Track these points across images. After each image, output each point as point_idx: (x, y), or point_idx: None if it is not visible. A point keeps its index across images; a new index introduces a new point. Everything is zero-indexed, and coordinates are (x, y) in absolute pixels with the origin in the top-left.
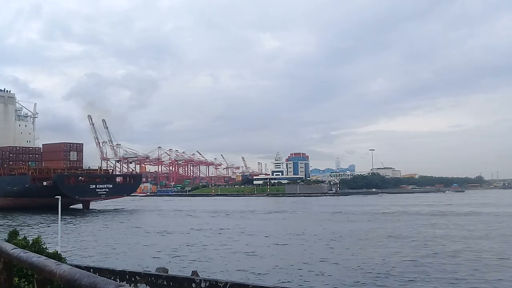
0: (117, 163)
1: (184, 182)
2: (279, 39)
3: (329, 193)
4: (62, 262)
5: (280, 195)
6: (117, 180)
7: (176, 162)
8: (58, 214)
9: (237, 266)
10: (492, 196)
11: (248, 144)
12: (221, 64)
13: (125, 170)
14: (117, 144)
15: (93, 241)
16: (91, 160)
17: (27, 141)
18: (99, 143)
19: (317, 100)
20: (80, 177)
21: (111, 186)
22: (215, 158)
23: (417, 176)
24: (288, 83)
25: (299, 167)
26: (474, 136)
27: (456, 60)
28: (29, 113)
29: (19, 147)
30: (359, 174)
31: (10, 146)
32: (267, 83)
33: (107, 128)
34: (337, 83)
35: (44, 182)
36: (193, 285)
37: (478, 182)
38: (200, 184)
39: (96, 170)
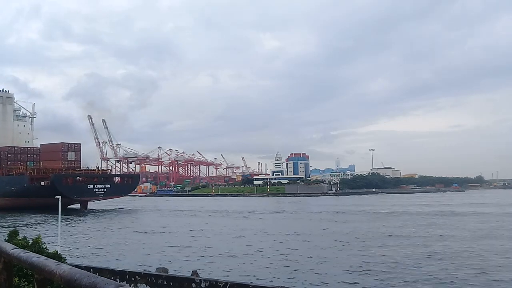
0: (117, 163)
1: (184, 182)
2: (279, 39)
3: (329, 193)
4: (62, 262)
5: (280, 195)
6: (115, 180)
7: (176, 162)
8: (57, 214)
9: (237, 266)
10: (492, 196)
11: (248, 144)
12: (221, 64)
13: (125, 170)
14: (117, 144)
15: (93, 241)
16: (92, 160)
17: (26, 141)
18: (99, 143)
19: (317, 100)
20: (78, 177)
21: (109, 186)
22: (215, 158)
23: (417, 176)
24: (288, 83)
25: (299, 167)
26: (474, 136)
27: (456, 60)
28: (28, 113)
29: (17, 147)
30: (359, 174)
31: (9, 146)
32: (267, 83)
33: (107, 128)
34: (337, 83)
35: (42, 182)
36: (193, 285)
37: (478, 182)
38: (200, 184)
39: (94, 170)
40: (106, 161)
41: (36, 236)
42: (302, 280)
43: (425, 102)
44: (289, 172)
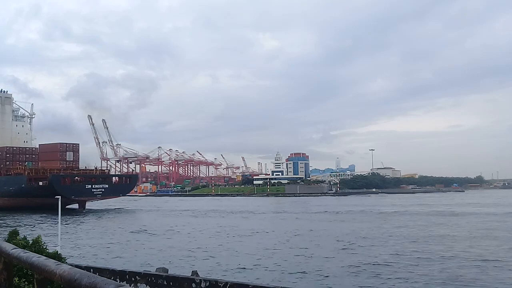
0: (117, 163)
1: (184, 182)
2: (278, 39)
3: (329, 193)
4: (62, 262)
5: (280, 195)
6: (113, 180)
7: (176, 162)
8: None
9: (237, 266)
10: (493, 196)
11: (248, 144)
12: (220, 64)
13: (125, 170)
14: (117, 144)
15: (93, 241)
16: (92, 160)
17: (24, 141)
18: (99, 143)
19: (317, 100)
20: (76, 177)
21: (107, 186)
22: (215, 158)
23: (417, 176)
24: (287, 83)
25: (299, 167)
26: (474, 136)
27: (455, 60)
28: (26, 114)
29: (15, 147)
30: (359, 174)
31: (7, 147)
32: (267, 83)
33: (107, 128)
34: (337, 83)
35: (40, 182)
36: (193, 285)
37: (478, 182)
38: (200, 184)
39: (92, 170)
40: (106, 161)
41: (36, 236)
42: (303, 280)
43: (425, 102)
44: (289, 172)
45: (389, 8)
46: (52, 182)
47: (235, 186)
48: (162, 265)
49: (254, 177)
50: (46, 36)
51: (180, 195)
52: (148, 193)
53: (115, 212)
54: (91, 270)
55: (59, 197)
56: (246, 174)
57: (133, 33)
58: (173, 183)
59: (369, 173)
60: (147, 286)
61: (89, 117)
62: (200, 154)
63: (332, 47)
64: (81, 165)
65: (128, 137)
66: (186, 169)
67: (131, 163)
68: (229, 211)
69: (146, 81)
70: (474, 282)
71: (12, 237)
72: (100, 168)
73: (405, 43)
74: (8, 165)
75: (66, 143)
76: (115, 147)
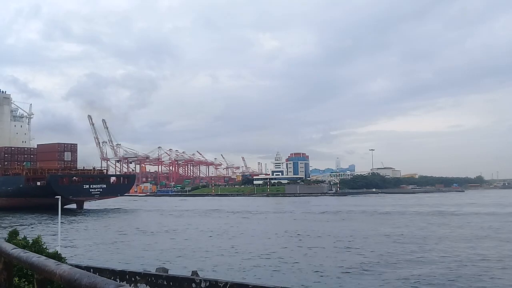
0: (117, 163)
1: (184, 182)
2: (278, 39)
3: (329, 193)
4: (62, 262)
5: (280, 195)
6: (111, 180)
7: (176, 162)
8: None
9: (237, 266)
10: (494, 196)
11: (248, 144)
12: (220, 64)
13: (125, 170)
14: (117, 144)
15: (93, 241)
16: (92, 160)
17: (23, 142)
18: (99, 143)
19: (317, 100)
20: (74, 177)
21: (105, 186)
22: (215, 158)
23: (417, 176)
24: (287, 83)
25: (299, 167)
26: (474, 136)
27: (455, 60)
28: (25, 114)
29: (14, 147)
30: (359, 174)
31: (5, 147)
32: (267, 83)
33: (107, 128)
34: (337, 83)
35: (38, 182)
36: (193, 285)
37: (478, 182)
38: (200, 184)
39: (90, 170)
40: (106, 161)
41: (36, 236)
42: (303, 280)
43: (425, 102)
44: (289, 172)
45: (389, 8)
46: (50, 182)
47: (235, 186)
48: (162, 265)
49: (254, 177)
50: (46, 36)
51: (180, 195)
52: (148, 193)
53: (115, 212)
54: (91, 270)
55: (59, 197)
56: (246, 174)
57: (133, 33)
58: (173, 183)
59: (369, 173)
60: (147, 286)
61: (89, 117)
62: (200, 154)
63: (332, 47)
64: (81, 165)
65: (128, 137)
66: (186, 169)
67: (131, 163)
68: (229, 211)
69: (146, 81)
70: (475, 282)
71: (12, 237)
72: (98, 168)
73: (405, 43)
74: (7, 165)
75: (64, 143)
76: (115, 147)
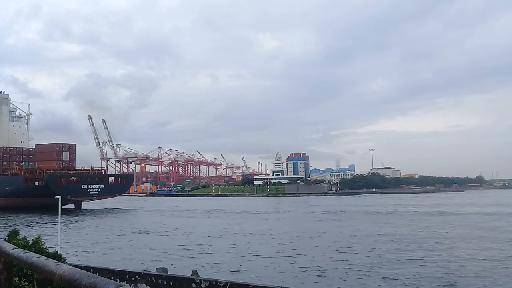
0: (117, 163)
1: (184, 182)
2: (278, 39)
3: (329, 193)
4: (62, 262)
5: (280, 195)
6: (109, 180)
7: (176, 162)
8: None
9: (237, 266)
10: (494, 196)
11: (248, 144)
12: (220, 64)
13: (125, 170)
14: (117, 144)
15: (93, 241)
16: (92, 160)
17: (21, 142)
18: (99, 143)
19: (317, 100)
20: (72, 177)
21: (103, 186)
22: (215, 158)
23: (417, 176)
24: (287, 83)
25: (299, 167)
26: (474, 136)
27: (455, 60)
28: (23, 114)
29: (12, 147)
30: (359, 174)
31: (4, 147)
32: (267, 83)
33: (107, 128)
34: (337, 83)
35: (36, 183)
36: (193, 285)
37: (478, 182)
38: (200, 184)
39: (88, 170)
40: (106, 161)
41: (36, 236)
42: (303, 280)
43: (425, 102)
44: (289, 172)
45: (389, 8)
46: (48, 182)
47: (235, 186)
48: (162, 265)
49: (254, 177)
50: (46, 36)
51: (180, 195)
52: (148, 193)
53: (115, 212)
54: (91, 270)
55: (59, 197)
56: (246, 174)
57: (133, 33)
58: (173, 183)
59: (369, 173)
60: (147, 286)
61: (89, 117)
62: (200, 154)
63: (332, 47)
64: (82, 165)
65: (128, 137)
66: (186, 169)
67: (131, 163)
68: (229, 211)
69: (146, 81)
70: (477, 282)
71: (12, 237)
72: (96, 168)
73: (405, 43)
74: (5, 165)
75: (62, 143)
76: (115, 147)
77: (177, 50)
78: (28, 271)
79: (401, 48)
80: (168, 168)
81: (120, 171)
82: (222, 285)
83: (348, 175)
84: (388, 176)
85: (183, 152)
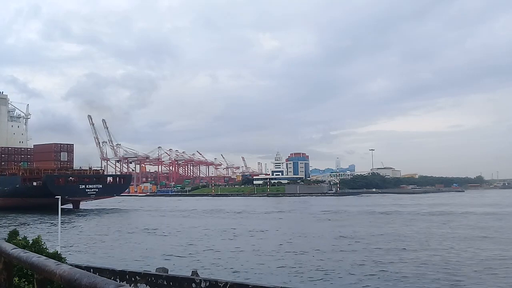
0: (117, 163)
1: (184, 182)
2: (278, 39)
3: (329, 193)
4: (62, 262)
5: (280, 195)
6: (107, 180)
7: (176, 162)
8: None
9: (237, 266)
10: (495, 196)
11: (248, 144)
12: (220, 64)
13: (125, 170)
14: (117, 144)
15: (93, 241)
16: (92, 160)
17: (20, 142)
18: (99, 143)
19: (317, 100)
20: (70, 178)
21: (101, 186)
22: (215, 158)
23: (417, 176)
24: (287, 83)
25: (299, 167)
26: (474, 136)
27: (455, 60)
28: (22, 114)
29: (11, 147)
30: (359, 174)
31: (2, 147)
32: (267, 83)
33: (107, 128)
34: (337, 83)
35: (34, 183)
36: (193, 285)
37: (478, 182)
38: (200, 184)
39: (86, 170)
40: (106, 161)
41: (36, 236)
42: (303, 280)
43: (425, 102)
44: (289, 172)
45: (389, 8)
46: (46, 182)
47: (235, 186)
48: (162, 265)
49: (254, 177)
50: (46, 36)
51: (180, 195)
52: (148, 193)
53: (114, 212)
54: (91, 270)
55: (59, 197)
56: (246, 174)
57: (133, 33)
58: (173, 183)
59: (369, 173)
60: (147, 286)
61: (89, 117)
62: (200, 154)
63: (332, 47)
64: (82, 165)
65: (128, 137)
66: (186, 169)
67: (131, 163)
68: (229, 211)
69: (146, 81)
70: (478, 282)
71: (12, 237)
72: (94, 168)
73: (405, 43)
74: (3, 166)
75: (61, 144)
76: (115, 147)
77: (177, 50)
78: (28, 271)
79: (401, 48)
80: (168, 168)
81: (120, 171)
82: (222, 285)
83: (348, 175)
84: (388, 176)
85: (183, 152)
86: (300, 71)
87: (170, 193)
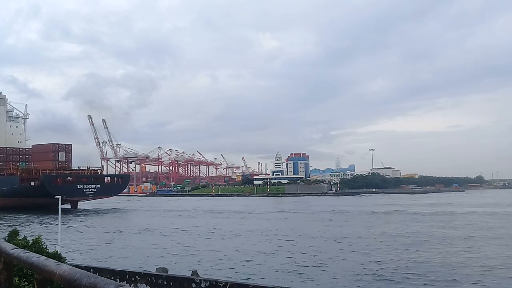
0: (117, 163)
1: (184, 182)
2: (278, 39)
3: (329, 193)
4: (62, 262)
5: (280, 195)
6: (105, 180)
7: (176, 162)
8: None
9: (237, 266)
10: (496, 196)
11: (248, 144)
12: (220, 64)
13: (125, 170)
14: (117, 144)
15: (93, 241)
16: (92, 160)
17: (18, 142)
18: (99, 143)
19: (317, 100)
20: (68, 178)
21: (99, 186)
22: (215, 158)
23: (417, 176)
24: (287, 83)
25: (299, 167)
26: (474, 136)
27: (455, 60)
28: (20, 114)
29: (9, 147)
30: (359, 174)
31: (0, 147)
32: (267, 83)
33: (107, 128)
34: (337, 83)
35: (32, 183)
36: (193, 285)
37: (478, 182)
38: (200, 184)
39: (84, 170)
40: (106, 161)
41: (36, 236)
42: (303, 280)
43: (425, 102)
44: (289, 172)
45: (389, 8)
46: (44, 182)
47: (235, 186)
48: (162, 265)
49: (254, 177)
50: (46, 36)
51: (180, 195)
52: (148, 193)
53: (114, 212)
54: (91, 270)
55: (59, 197)
56: (246, 174)
57: (133, 33)
58: (173, 183)
59: (369, 173)
60: (147, 286)
61: (89, 117)
62: (200, 154)
63: (332, 47)
64: (82, 165)
65: (128, 137)
66: (186, 169)
67: (131, 163)
68: (229, 211)
69: (146, 81)
70: (478, 282)
71: (12, 237)
72: (93, 168)
73: (405, 43)
74: (2, 166)
75: (59, 144)
76: (115, 147)
77: (177, 50)
78: (28, 271)
79: (401, 48)
80: (168, 168)
81: (120, 171)
82: (222, 285)
83: (348, 175)
84: (388, 176)
85: (183, 152)
86: (300, 71)
87: (170, 193)
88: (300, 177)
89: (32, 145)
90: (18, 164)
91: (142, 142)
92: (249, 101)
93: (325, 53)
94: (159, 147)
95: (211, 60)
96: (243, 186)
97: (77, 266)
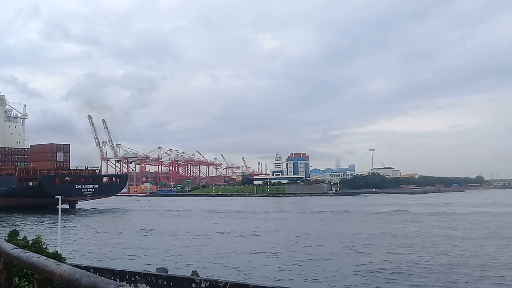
0: (117, 163)
1: (184, 182)
2: (278, 39)
3: (329, 193)
4: (62, 262)
5: (280, 195)
6: (103, 180)
7: (176, 162)
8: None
9: (237, 266)
10: (496, 196)
11: (248, 144)
12: (220, 64)
13: (125, 170)
14: (117, 144)
15: (92, 241)
16: (92, 160)
17: (17, 142)
18: (99, 143)
19: (317, 100)
20: (66, 178)
21: (97, 186)
22: (215, 158)
23: (417, 176)
24: (287, 83)
25: (299, 167)
26: (474, 136)
27: (455, 60)
28: (19, 114)
29: (7, 148)
30: (359, 174)
31: None
32: (267, 83)
33: (107, 128)
34: (337, 83)
35: (30, 183)
36: (193, 285)
37: (478, 182)
38: (200, 184)
39: (83, 170)
40: (106, 161)
41: (36, 236)
42: (303, 280)
43: (425, 102)
44: (289, 172)
45: (389, 8)
46: (42, 182)
47: (235, 186)
48: (162, 265)
49: (254, 177)
50: (46, 36)
51: (180, 195)
52: (148, 193)
53: (114, 213)
54: (91, 270)
55: (59, 197)
56: (246, 174)
57: (133, 33)
58: (173, 183)
59: (369, 173)
60: (147, 286)
61: (89, 117)
62: (200, 154)
63: (332, 47)
64: (80, 165)
65: (128, 137)
66: (186, 169)
67: (131, 163)
68: (229, 211)
69: (146, 81)
70: (479, 282)
71: (12, 237)
72: (91, 168)
73: (405, 43)
74: (0, 166)
75: (57, 144)
76: (115, 147)
77: (177, 50)
78: (28, 271)
79: (401, 48)
80: (168, 168)
81: (120, 171)
82: (222, 285)
83: (348, 175)
84: (388, 176)
85: (183, 152)
86: (300, 71)
87: (170, 193)
88: (300, 177)
89: (30, 145)
90: (16, 164)
91: (142, 142)
92: (249, 101)
93: (325, 53)
94: (159, 147)
95: (211, 60)
96: (243, 186)
97: (77, 266)
